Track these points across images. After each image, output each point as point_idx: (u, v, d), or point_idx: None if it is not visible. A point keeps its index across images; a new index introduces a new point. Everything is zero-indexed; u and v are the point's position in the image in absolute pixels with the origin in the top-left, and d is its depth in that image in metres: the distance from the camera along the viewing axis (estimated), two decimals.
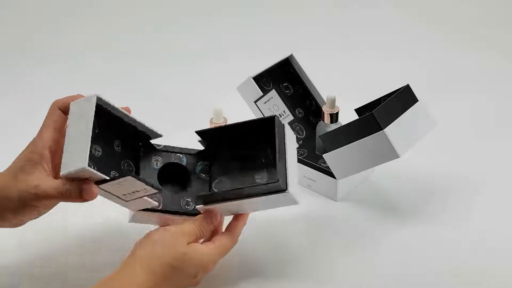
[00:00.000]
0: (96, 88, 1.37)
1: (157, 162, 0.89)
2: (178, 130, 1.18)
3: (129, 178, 0.76)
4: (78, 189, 0.76)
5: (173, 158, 0.90)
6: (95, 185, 0.76)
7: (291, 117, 1.06)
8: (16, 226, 0.82)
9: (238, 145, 0.87)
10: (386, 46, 1.56)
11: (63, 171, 0.75)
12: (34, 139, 0.80)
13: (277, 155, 0.80)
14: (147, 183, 0.78)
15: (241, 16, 1.67)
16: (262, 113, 1.04)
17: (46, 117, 0.81)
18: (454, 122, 1.22)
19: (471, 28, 1.59)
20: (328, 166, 1.00)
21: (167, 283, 0.76)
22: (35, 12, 1.67)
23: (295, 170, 0.83)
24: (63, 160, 0.76)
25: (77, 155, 0.75)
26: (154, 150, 0.90)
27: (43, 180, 0.76)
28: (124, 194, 0.79)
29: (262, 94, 1.04)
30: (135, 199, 0.81)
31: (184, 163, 0.89)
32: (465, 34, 1.57)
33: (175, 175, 0.88)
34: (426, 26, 1.61)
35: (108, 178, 0.76)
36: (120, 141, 0.85)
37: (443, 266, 0.88)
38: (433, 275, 0.87)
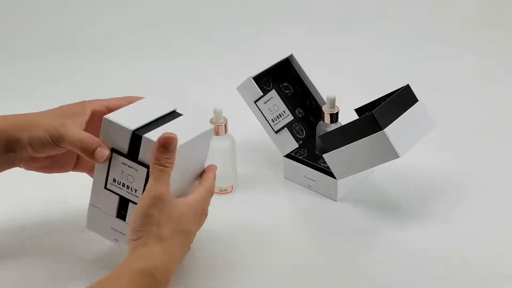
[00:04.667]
0: (95, 87, 1.38)
1: None
2: None
3: (143, 170, 0.79)
4: (94, 146, 0.80)
5: None
6: (110, 152, 0.80)
7: (291, 117, 1.06)
8: (28, 168, 0.87)
9: None
10: (386, 46, 1.56)
11: (108, 117, 0.80)
12: (85, 100, 0.85)
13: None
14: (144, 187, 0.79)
15: (241, 16, 1.68)
16: (262, 113, 1.04)
17: (112, 98, 0.87)
18: (454, 122, 1.22)
19: (471, 28, 1.59)
20: (328, 166, 1.00)
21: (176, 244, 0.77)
22: (32, 11, 1.67)
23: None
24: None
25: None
26: None
27: (73, 126, 0.81)
28: (114, 180, 0.81)
29: (262, 94, 1.04)
30: (112, 193, 0.82)
31: None
32: (465, 34, 1.57)
33: None
34: (426, 26, 1.62)
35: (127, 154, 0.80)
36: None
37: (443, 266, 0.88)
38: (433, 275, 0.87)
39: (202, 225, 0.84)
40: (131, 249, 0.75)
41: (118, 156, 0.80)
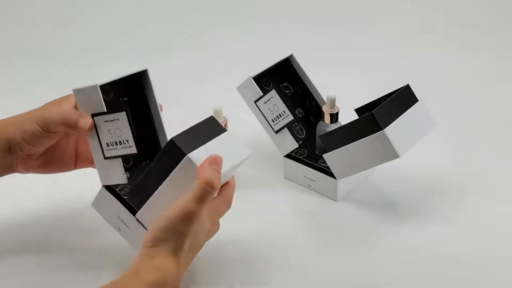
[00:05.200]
0: None
1: None
2: (178, 130, 1.18)
3: (123, 114, 0.80)
4: (76, 116, 0.81)
5: None
6: (92, 117, 0.81)
7: (291, 117, 1.06)
8: (28, 169, 0.87)
9: None
10: (386, 46, 1.56)
11: (75, 87, 0.81)
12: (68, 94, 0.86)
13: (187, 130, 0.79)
14: (132, 131, 0.81)
15: (241, 16, 1.68)
16: (262, 113, 1.04)
17: None
18: (454, 122, 1.22)
19: (470, 28, 1.59)
20: (328, 166, 1.00)
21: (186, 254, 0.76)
22: (31, 10, 1.67)
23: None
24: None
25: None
26: None
27: (54, 108, 0.83)
28: (108, 144, 0.82)
29: (262, 94, 1.04)
30: (113, 157, 0.83)
31: None
32: (465, 34, 1.57)
33: None
34: (426, 26, 1.62)
35: (106, 111, 0.81)
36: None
37: (444, 266, 0.88)
38: (433, 275, 0.87)
39: (211, 237, 0.83)
40: (147, 256, 0.74)
41: (100, 117, 0.82)
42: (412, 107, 0.95)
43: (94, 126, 0.82)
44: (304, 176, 1.05)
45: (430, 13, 1.66)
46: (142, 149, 0.87)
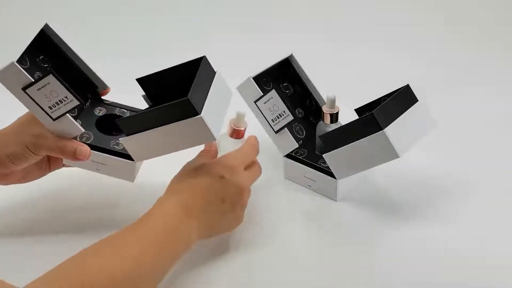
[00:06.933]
0: None
1: (100, 111, 0.95)
2: None
3: (50, 77, 0.83)
4: (73, 147, 0.86)
5: (116, 111, 0.96)
6: (24, 91, 0.83)
7: (291, 117, 1.06)
8: (6, 180, 0.90)
9: (177, 93, 0.86)
10: (386, 46, 1.56)
11: None
12: None
13: (194, 83, 0.82)
14: (67, 88, 0.84)
15: (241, 16, 1.67)
16: (262, 113, 1.04)
17: None
18: (454, 122, 1.22)
19: (471, 27, 1.59)
20: (328, 166, 1.00)
21: (200, 202, 0.83)
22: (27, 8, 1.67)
23: (218, 113, 0.86)
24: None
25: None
26: (101, 102, 0.97)
27: (45, 133, 0.86)
28: (50, 108, 0.85)
29: (262, 94, 1.04)
30: (62, 116, 0.85)
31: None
32: (465, 34, 1.57)
33: (114, 126, 0.89)
34: (426, 26, 1.61)
35: (33, 80, 0.83)
36: (69, 85, 0.90)
37: (443, 266, 0.88)
38: (433, 275, 0.87)
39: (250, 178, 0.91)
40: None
41: (31, 88, 0.84)
42: (412, 107, 0.95)
43: (31, 98, 0.84)
44: (304, 176, 1.05)
45: (431, 12, 1.66)
46: (78, 92, 0.91)
